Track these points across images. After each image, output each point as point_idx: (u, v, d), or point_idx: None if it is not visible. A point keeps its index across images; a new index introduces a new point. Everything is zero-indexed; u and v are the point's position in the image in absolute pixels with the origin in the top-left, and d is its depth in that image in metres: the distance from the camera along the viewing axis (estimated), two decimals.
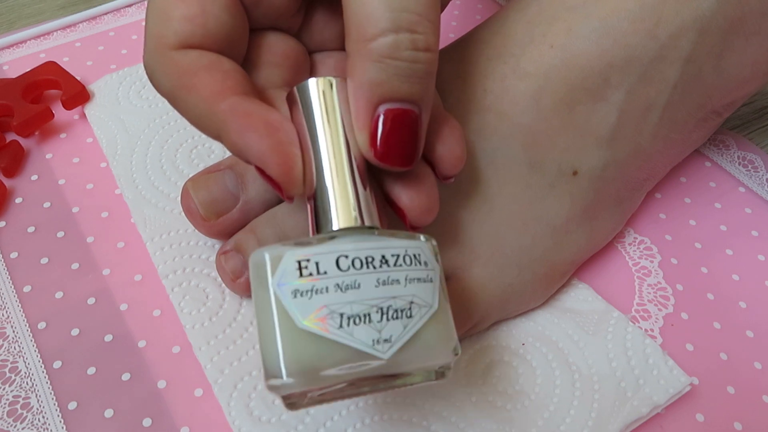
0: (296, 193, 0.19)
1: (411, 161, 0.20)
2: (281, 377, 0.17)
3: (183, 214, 0.27)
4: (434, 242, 0.20)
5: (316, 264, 0.17)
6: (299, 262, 0.17)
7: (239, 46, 0.22)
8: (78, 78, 0.34)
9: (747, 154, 0.33)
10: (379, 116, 0.19)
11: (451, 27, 0.40)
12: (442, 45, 0.28)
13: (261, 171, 0.19)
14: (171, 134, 0.32)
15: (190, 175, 0.27)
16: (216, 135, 0.20)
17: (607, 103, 0.25)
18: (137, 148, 0.32)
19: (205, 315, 0.26)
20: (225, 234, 0.26)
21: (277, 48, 0.23)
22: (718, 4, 0.24)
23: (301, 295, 0.17)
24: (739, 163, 0.33)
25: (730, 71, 0.26)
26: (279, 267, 0.17)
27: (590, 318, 0.26)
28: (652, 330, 0.27)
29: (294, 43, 0.24)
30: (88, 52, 0.38)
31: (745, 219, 0.31)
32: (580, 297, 0.27)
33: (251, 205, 0.26)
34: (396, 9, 0.18)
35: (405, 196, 0.20)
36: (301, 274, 0.17)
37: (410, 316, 0.18)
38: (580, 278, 0.28)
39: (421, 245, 0.19)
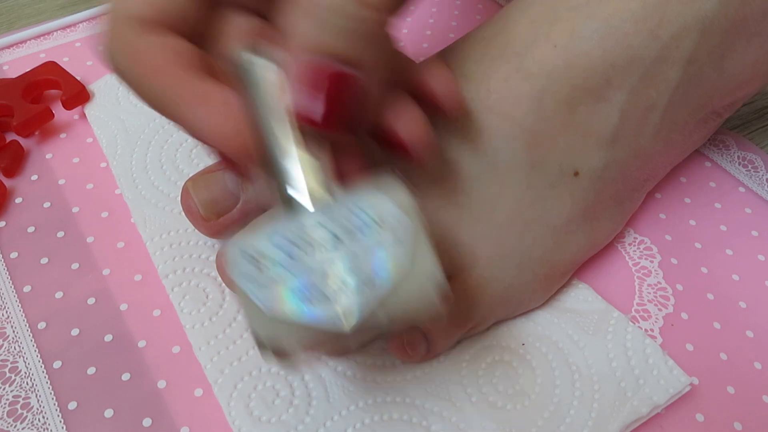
0: (254, 170, 0.20)
1: (352, 128, 0.19)
2: (266, 350, 0.18)
3: (183, 213, 0.27)
4: (404, 191, 0.19)
5: (271, 256, 0.18)
6: (253, 256, 0.18)
7: (198, 25, 0.21)
8: (78, 78, 0.34)
9: (747, 154, 0.33)
10: (317, 78, 0.18)
11: (451, 27, 0.40)
12: (442, 45, 0.28)
13: (219, 153, 0.19)
14: (171, 134, 0.32)
15: (190, 175, 0.27)
16: (173, 116, 0.20)
17: (609, 103, 0.25)
18: (137, 148, 0.32)
19: (205, 315, 0.26)
20: (225, 234, 0.26)
21: (240, 27, 0.23)
22: (720, 5, 0.24)
23: (261, 286, 0.18)
24: (739, 163, 0.33)
25: (732, 72, 0.26)
26: (239, 263, 0.18)
27: (590, 318, 0.26)
28: (652, 330, 0.27)
29: (259, 22, 0.23)
30: (88, 52, 0.38)
31: (745, 219, 0.31)
32: (580, 297, 0.27)
33: (251, 205, 0.26)
34: None
35: (403, 129, 0.20)
36: (258, 268, 0.18)
37: (373, 286, 0.18)
38: (580, 278, 0.28)
39: (386, 203, 0.19)
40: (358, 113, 0.19)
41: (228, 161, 0.20)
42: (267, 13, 0.23)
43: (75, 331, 0.26)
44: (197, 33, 0.21)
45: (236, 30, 0.22)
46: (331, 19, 0.17)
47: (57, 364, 0.25)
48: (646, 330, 0.26)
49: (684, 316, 0.27)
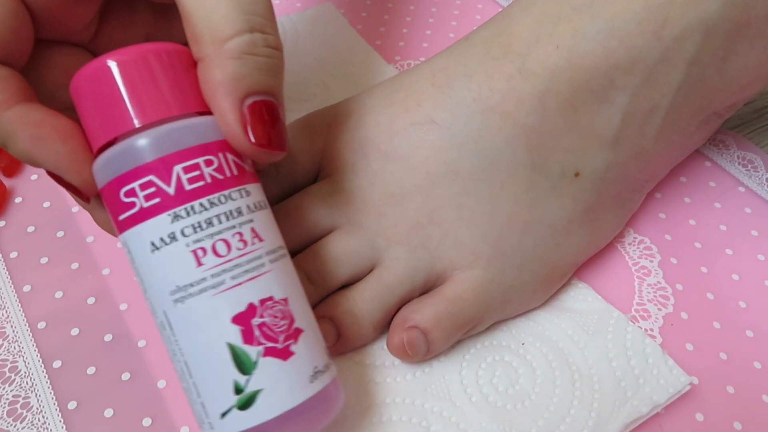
0: (93, 194, 0.20)
1: (285, 146, 0.21)
2: None
3: None
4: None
5: None
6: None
7: (21, 55, 0.21)
8: None
9: (747, 153, 0.33)
10: (249, 109, 0.19)
11: (451, 27, 0.40)
12: (442, 45, 0.28)
13: (55, 177, 0.20)
14: None
15: None
16: (2, 143, 0.20)
17: (612, 105, 0.25)
18: None
19: None
20: None
21: (63, 64, 0.23)
22: (723, 7, 0.23)
23: None
24: (739, 163, 0.33)
25: (734, 74, 0.26)
26: None
27: (590, 318, 0.26)
28: (652, 330, 0.27)
29: (85, 57, 0.24)
30: None
31: (745, 219, 0.31)
32: (580, 297, 0.27)
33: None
34: (248, 12, 0.19)
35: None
36: None
37: None
38: (580, 278, 0.28)
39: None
40: (286, 134, 0.21)
41: (66, 185, 0.21)
42: (93, 48, 0.24)
43: (75, 331, 0.26)
44: (18, 61, 0.21)
45: (61, 63, 0.23)
46: (251, 60, 0.19)
47: (57, 364, 0.25)
48: (646, 330, 0.26)
49: (684, 315, 0.27)
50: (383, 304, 0.25)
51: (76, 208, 0.30)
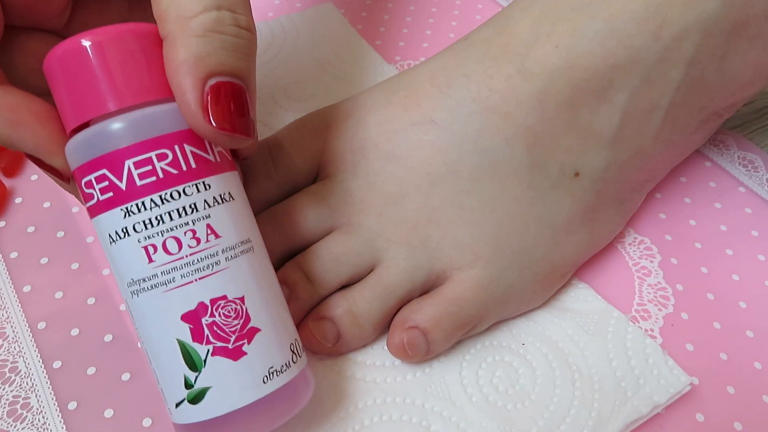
0: (70, 176, 0.20)
1: (251, 132, 0.20)
2: None
3: None
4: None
5: None
6: None
7: None
8: None
9: (747, 154, 0.33)
10: (210, 89, 0.19)
11: (451, 27, 0.40)
12: (442, 45, 0.28)
13: (34, 159, 0.20)
14: None
15: None
16: None
17: (611, 104, 0.25)
18: None
19: None
20: None
21: (35, 50, 0.23)
22: (722, 7, 0.23)
23: None
24: (739, 163, 0.33)
25: (733, 74, 0.26)
26: None
27: (590, 318, 0.26)
28: (652, 330, 0.27)
29: (56, 41, 0.23)
30: None
31: (745, 219, 0.31)
32: (580, 297, 0.27)
33: (252, 204, 0.26)
34: None
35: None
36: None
37: None
38: (580, 278, 0.28)
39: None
40: (252, 119, 0.20)
41: (46, 168, 0.20)
42: (66, 34, 0.24)
43: (75, 331, 0.26)
44: None
45: (33, 48, 0.23)
46: (216, 38, 0.18)
47: (57, 364, 0.25)
48: (646, 330, 0.26)
49: (684, 316, 0.27)
50: (383, 304, 0.25)
51: (76, 208, 0.30)
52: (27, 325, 0.26)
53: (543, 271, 0.26)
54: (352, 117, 0.27)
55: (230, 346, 0.19)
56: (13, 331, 0.26)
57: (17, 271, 0.28)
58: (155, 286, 0.19)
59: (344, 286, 0.26)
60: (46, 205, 0.31)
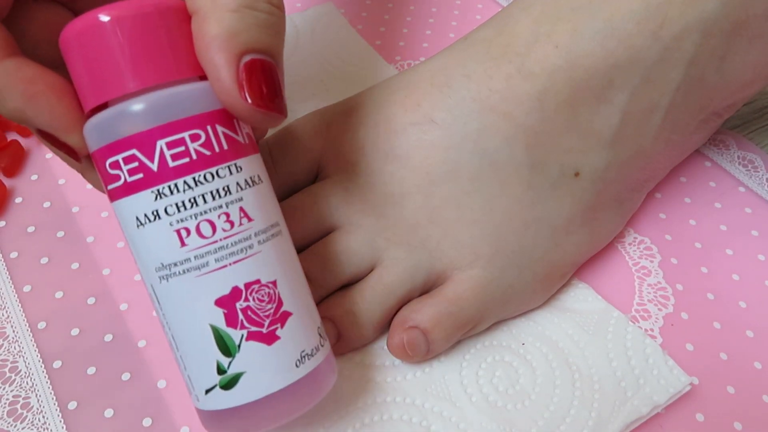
0: (85, 155, 0.20)
1: (284, 110, 0.19)
2: None
3: None
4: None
5: None
6: None
7: (2, 7, 0.20)
8: None
9: (747, 154, 0.33)
10: (245, 66, 0.18)
11: (451, 27, 0.40)
12: (442, 45, 0.28)
13: (46, 135, 0.19)
14: None
15: None
16: None
17: (611, 104, 0.25)
18: None
19: None
20: None
21: (45, 19, 0.22)
22: (722, 7, 0.23)
23: None
24: (739, 163, 0.33)
25: (733, 74, 0.26)
26: None
27: (590, 318, 0.26)
28: (652, 330, 0.27)
29: (66, 14, 0.23)
30: None
31: (745, 219, 0.31)
32: (580, 297, 0.27)
33: None
34: None
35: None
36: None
37: None
38: (580, 278, 0.28)
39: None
40: (284, 98, 0.19)
41: (60, 145, 0.20)
42: (74, 5, 0.23)
43: (75, 331, 0.26)
44: (1, 17, 0.21)
45: (43, 17, 0.22)
46: (250, 14, 0.18)
47: (57, 364, 0.25)
48: (646, 330, 0.26)
49: (684, 316, 0.27)
50: (383, 304, 0.25)
51: (76, 208, 0.30)
52: (27, 325, 0.26)
53: (543, 271, 0.26)
54: (353, 117, 0.27)
55: (264, 330, 0.19)
56: (13, 331, 0.26)
57: (17, 271, 0.28)
58: (188, 270, 0.19)
59: (344, 286, 0.26)
60: (46, 205, 0.31)
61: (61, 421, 0.24)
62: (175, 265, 0.19)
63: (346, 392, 0.24)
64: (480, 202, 0.25)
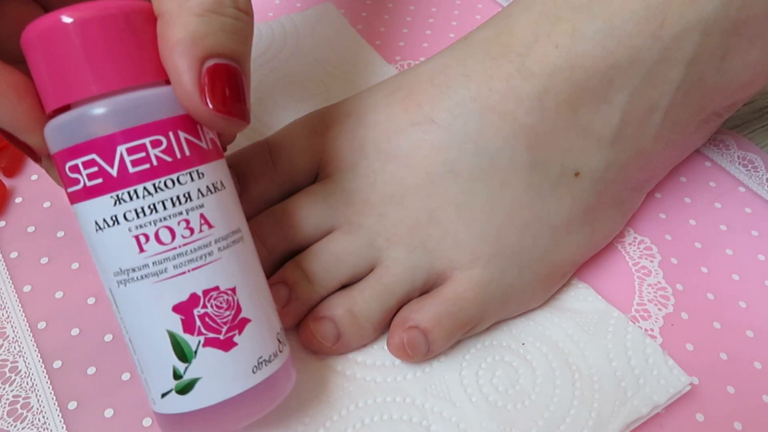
0: (45, 155, 0.19)
1: (246, 116, 0.19)
2: None
3: None
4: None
5: None
6: None
7: None
8: None
9: (747, 153, 0.33)
10: (208, 71, 0.18)
11: (451, 27, 0.40)
12: (442, 45, 0.29)
13: (7, 134, 0.19)
14: None
15: None
16: None
17: (611, 104, 0.25)
18: None
19: None
20: None
21: (11, 14, 0.22)
22: (722, 7, 0.23)
23: None
24: (739, 163, 0.33)
25: (733, 73, 0.26)
26: None
27: (590, 318, 0.26)
28: (652, 330, 0.27)
29: (36, 9, 0.23)
30: None
31: (745, 219, 0.31)
32: (580, 297, 0.27)
33: (251, 204, 0.26)
34: None
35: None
36: None
37: None
38: (580, 278, 0.28)
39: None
40: (248, 103, 0.19)
41: (21, 145, 0.20)
42: (46, 1, 0.23)
43: (75, 331, 0.26)
44: None
45: (9, 13, 0.21)
46: (216, 19, 0.18)
47: (57, 364, 0.25)
48: (646, 330, 0.26)
49: (684, 316, 0.27)
50: (383, 304, 0.25)
51: None
52: (27, 325, 0.26)
53: (543, 270, 0.26)
54: (352, 117, 0.27)
55: (222, 337, 0.19)
56: (13, 331, 0.26)
57: (17, 271, 0.28)
58: (146, 276, 0.19)
59: (344, 286, 0.26)
60: (46, 205, 0.31)
61: (61, 421, 0.24)
62: (133, 270, 0.19)
63: (346, 392, 0.24)
64: (480, 202, 0.25)
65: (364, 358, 0.25)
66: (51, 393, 0.24)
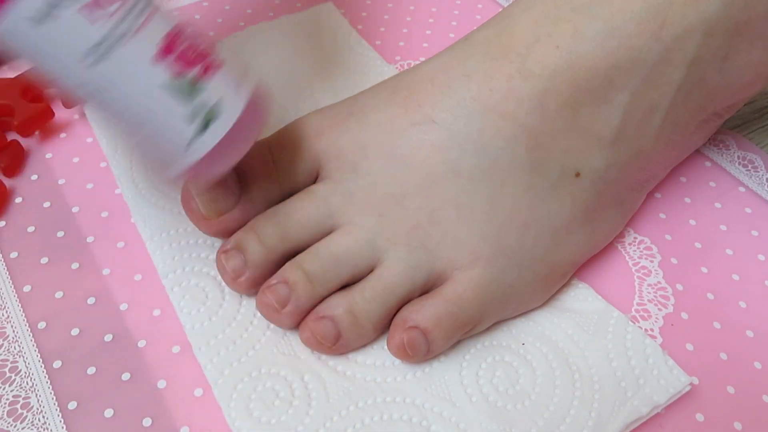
0: None
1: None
2: None
3: (183, 213, 0.27)
4: None
5: None
6: None
7: None
8: None
9: (747, 153, 0.33)
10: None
11: (451, 27, 0.40)
12: (442, 45, 0.28)
13: None
14: None
15: None
16: None
17: (611, 105, 0.25)
18: None
19: (205, 315, 0.26)
20: (226, 232, 0.26)
21: None
22: (723, 7, 0.23)
23: None
24: (739, 163, 0.33)
25: (734, 74, 0.26)
26: None
27: (590, 318, 0.26)
28: (652, 330, 0.27)
29: None
30: None
31: (745, 219, 0.31)
32: (580, 297, 0.27)
33: (252, 204, 0.26)
34: None
35: None
36: None
37: None
38: (580, 278, 0.28)
39: None
40: None
41: None
42: None
43: (75, 331, 0.26)
44: None
45: None
46: None
47: (57, 364, 0.25)
48: (646, 330, 0.26)
49: (684, 316, 0.27)
50: (383, 304, 0.25)
51: (76, 208, 0.30)
52: (27, 325, 0.26)
53: (543, 270, 0.26)
54: (353, 117, 0.27)
55: (210, 59, 0.20)
56: (13, 331, 0.26)
57: (17, 271, 0.28)
58: (117, 40, 0.18)
59: (344, 286, 0.26)
60: (46, 205, 0.31)
61: (61, 421, 0.24)
62: (99, 44, 0.18)
63: (346, 392, 0.24)
64: (480, 202, 0.25)
65: (364, 358, 0.25)
66: (51, 393, 0.24)
